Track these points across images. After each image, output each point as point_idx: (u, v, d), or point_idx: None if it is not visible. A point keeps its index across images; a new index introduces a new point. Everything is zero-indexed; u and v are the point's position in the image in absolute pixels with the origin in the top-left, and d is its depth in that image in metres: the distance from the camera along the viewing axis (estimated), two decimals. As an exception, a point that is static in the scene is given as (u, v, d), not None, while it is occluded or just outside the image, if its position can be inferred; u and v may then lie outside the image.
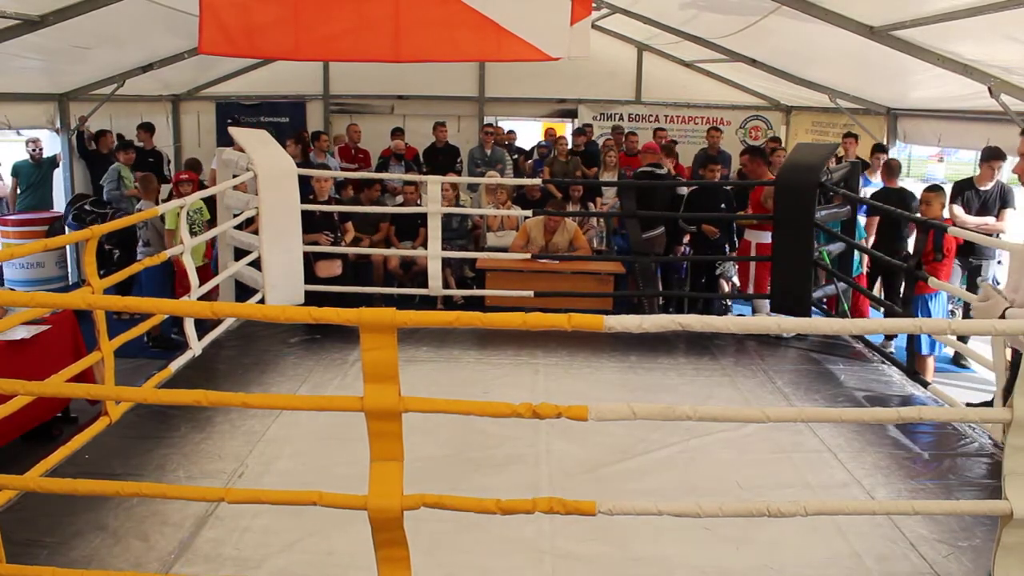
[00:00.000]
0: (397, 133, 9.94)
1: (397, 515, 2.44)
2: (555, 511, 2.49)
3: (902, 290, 6.18)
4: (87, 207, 8.56)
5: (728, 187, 7.98)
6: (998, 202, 6.76)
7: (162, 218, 6.78)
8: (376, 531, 2.48)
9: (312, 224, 6.73)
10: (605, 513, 2.50)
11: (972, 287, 6.55)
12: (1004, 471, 2.54)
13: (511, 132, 10.99)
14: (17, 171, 9.26)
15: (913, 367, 5.42)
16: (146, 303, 2.70)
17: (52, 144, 9.28)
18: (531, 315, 2.41)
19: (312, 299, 6.28)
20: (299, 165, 8.03)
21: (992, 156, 6.67)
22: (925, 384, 5.23)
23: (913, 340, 5.54)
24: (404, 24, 5.55)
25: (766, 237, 7.33)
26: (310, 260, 6.71)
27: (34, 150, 9.03)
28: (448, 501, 2.48)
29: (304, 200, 6.51)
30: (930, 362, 5.83)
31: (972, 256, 6.76)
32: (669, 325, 2.41)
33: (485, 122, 11.19)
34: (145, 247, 7.22)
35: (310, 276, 6.62)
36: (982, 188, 6.72)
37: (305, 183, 7.45)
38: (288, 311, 2.49)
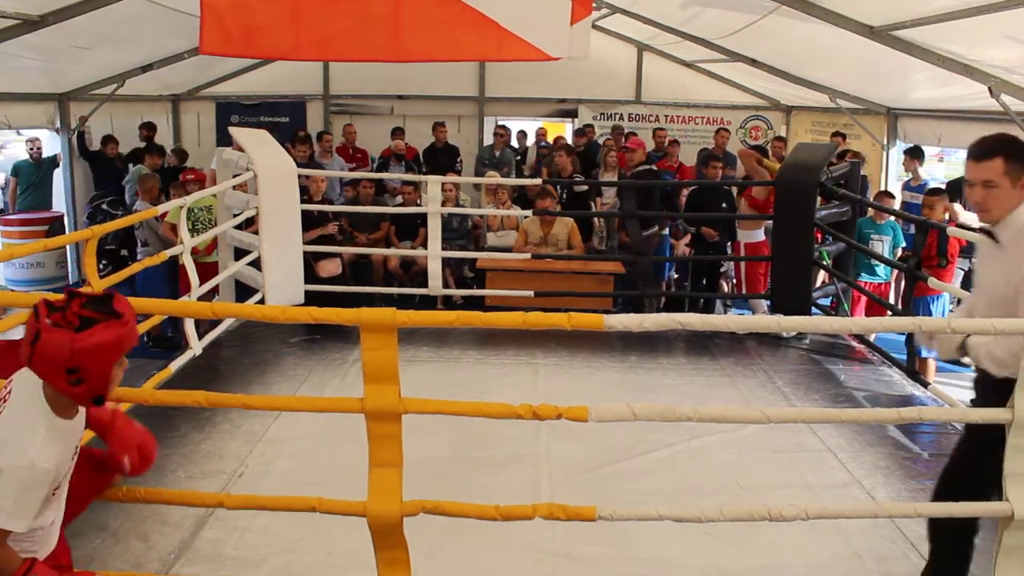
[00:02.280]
0: (397, 133, 9.94)
1: (396, 521, 2.44)
2: (555, 517, 2.48)
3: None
4: (104, 207, 8.56)
5: (727, 187, 7.99)
6: None
7: (159, 218, 6.78)
8: (376, 536, 2.48)
9: (309, 223, 6.75)
10: (605, 519, 2.49)
11: (969, 287, 6.55)
12: (1005, 472, 2.54)
13: (522, 132, 10.97)
14: (17, 171, 9.26)
15: (913, 367, 5.42)
16: (147, 304, 2.70)
17: (52, 144, 9.28)
18: (531, 315, 2.40)
19: (312, 299, 6.28)
20: (306, 165, 8.05)
21: None
22: (925, 384, 5.23)
23: (913, 340, 5.54)
24: (404, 24, 5.54)
25: (755, 236, 7.36)
26: (310, 260, 6.72)
27: (32, 149, 9.03)
28: (447, 507, 2.48)
29: (302, 200, 6.52)
30: (931, 364, 5.83)
31: (972, 256, 6.75)
32: (669, 324, 2.41)
33: (498, 123, 11.17)
34: (144, 247, 7.22)
35: (310, 276, 6.62)
36: None
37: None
38: (288, 311, 2.49)
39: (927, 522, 2.88)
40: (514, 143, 11.10)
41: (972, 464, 2.75)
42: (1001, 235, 2.64)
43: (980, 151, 2.64)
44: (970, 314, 2.89)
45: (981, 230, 2.76)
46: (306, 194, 7.08)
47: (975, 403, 2.85)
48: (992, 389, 2.62)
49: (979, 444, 2.72)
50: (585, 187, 8.25)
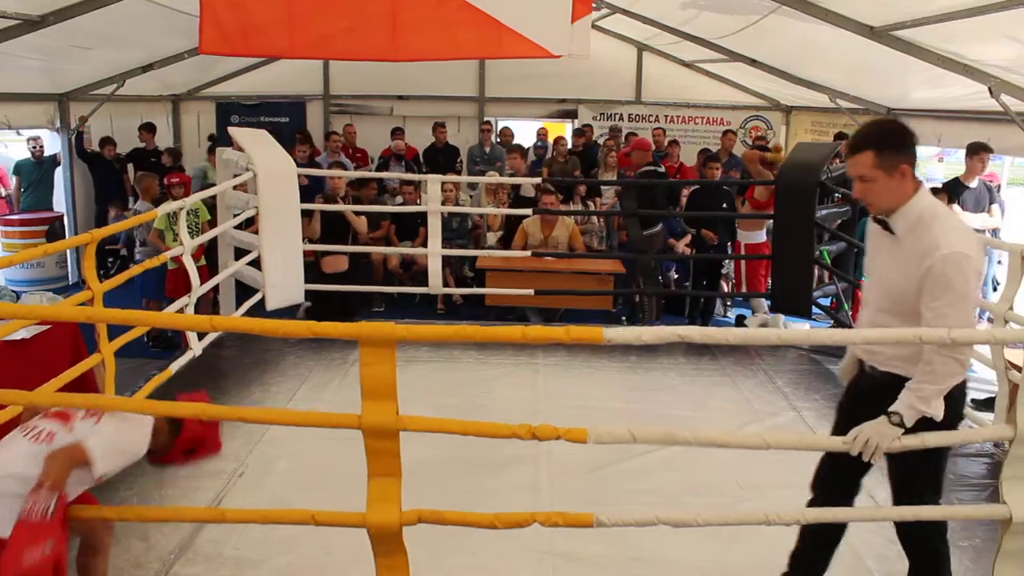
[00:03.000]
0: (397, 133, 9.94)
1: (396, 531, 2.44)
2: (553, 523, 2.49)
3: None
4: None
5: (727, 186, 7.99)
6: (987, 198, 6.81)
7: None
8: (375, 544, 2.48)
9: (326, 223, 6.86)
10: (603, 524, 2.50)
11: None
12: (1003, 475, 2.54)
13: (505, 128, 10.96)
14: (19, 169, 9.26)
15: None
16: (147, 316, 2.71)
17: (52, 144, 9.28)
18: (530, 328, 2.42)
19: (312, 297, 6.29)
20: (306, 165, 8.07)
21: (980, 149, 6.69)
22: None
23: None
24: (402, 22, 5.50)
25: (756, 237, 7.36)
26: (317, 256, 6.76)
27: (35, 147, 9.03)
28: (446, 516, 2.48)
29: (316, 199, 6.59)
30: None
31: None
32: (668, 336, 2.40)
33: (483, 120, 11.17)
34: (143, 247, 7.22)
35: (316, 272, 6.63)
36: (971, 185, 6.74)
37: (318, 181, 7.54)
38: (287, 326, 2.48)
39: (896, 530, 2.83)
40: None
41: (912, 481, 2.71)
42: (896, 226, 2.54)
43: (851, 145, 2.55)
44: (871, 325, 2.78)
45: (875, 220, 2.66)
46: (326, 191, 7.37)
47: (851, 412, 2.74)
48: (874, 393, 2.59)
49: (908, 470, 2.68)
50: (532, 192, 8.23)
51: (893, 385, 2.55)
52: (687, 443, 2.52)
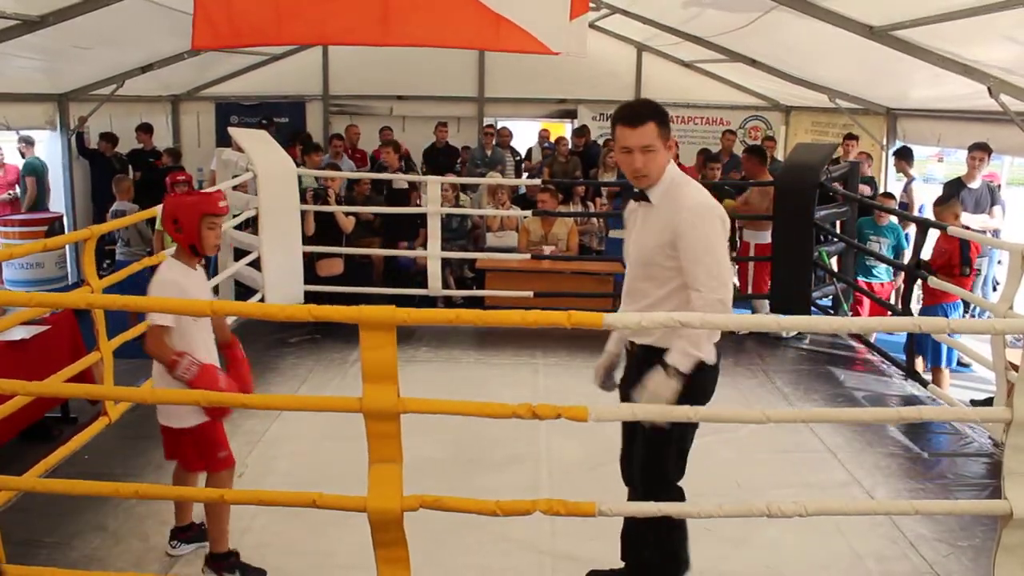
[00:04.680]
0: (386, 131, 9.90)
1: (397, 516, 2.43)
2: (555, 512, 2.48)
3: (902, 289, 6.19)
4: None
5: (727, 187, 7.98)
6: (988, 199, 6.81)
7: (151, 222, 6.77)
8: (376, 532, 2.47)
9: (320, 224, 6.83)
10: (605, 514, 2.49)
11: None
12: (1004, 470, 2.53)
13: (504, 128, 10.96)
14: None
15: (912, 367, 5.41)
16: (145, 302, 2.70)
17: (52, 144, 9.26)
18: (531, 313, 2.40)
19: (312, 299, 6.29)
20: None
21: (979, 148, 6.68)
22: (924, 383, 5.23)
23: (923, 347, 5.52)
24: (394, 7, 5.46)
25: (764, 237, 7.34)
26: (312, 259, 6.73)
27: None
28: (447, 502, 2.47)
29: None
30: (946, 373, 5.72)
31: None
32: (667, 322, 2.41)
33: (485, 123, 11.16)
34: (125, 246, 7.19)
35: (311, 275, 6.62)
36: (972, 186, 6.74)
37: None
38: (288, 309, 2.48)
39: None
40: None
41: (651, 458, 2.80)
42: (653, 195, 2.68)
43: (635, 117, 2.64)
44: (627, 293, 2.86)
45: (633, 197, 2.77)
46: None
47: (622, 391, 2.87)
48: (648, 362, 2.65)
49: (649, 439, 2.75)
50: (405, 184, 8.19)
51: (652, 356, 2.65)
52: (687, 418, 2.51)
